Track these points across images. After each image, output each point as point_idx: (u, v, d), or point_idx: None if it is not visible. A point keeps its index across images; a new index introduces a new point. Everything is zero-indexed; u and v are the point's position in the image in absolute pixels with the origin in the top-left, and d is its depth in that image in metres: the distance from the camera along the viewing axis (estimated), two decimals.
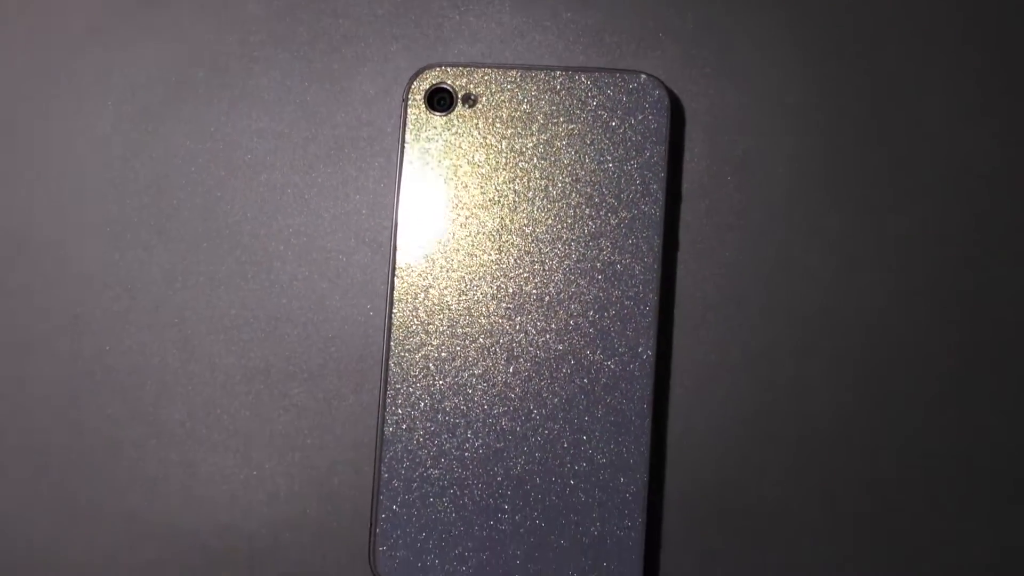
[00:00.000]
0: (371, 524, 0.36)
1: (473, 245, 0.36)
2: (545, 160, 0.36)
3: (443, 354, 0.36)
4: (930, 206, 0.37)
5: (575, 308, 0.36)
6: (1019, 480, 0.36)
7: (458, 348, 0.36)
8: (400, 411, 0.36)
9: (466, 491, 0.35)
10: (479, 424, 0.36)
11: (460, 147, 0.36)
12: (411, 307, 0.36)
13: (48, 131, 0.39)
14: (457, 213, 0.36)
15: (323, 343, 0.38)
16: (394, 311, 0.36)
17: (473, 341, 0.36)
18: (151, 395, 0.38)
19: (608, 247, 0.36)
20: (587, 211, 0.36)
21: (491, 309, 0.36)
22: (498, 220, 0.36)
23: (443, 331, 0.36)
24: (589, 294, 0.36)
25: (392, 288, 0.36)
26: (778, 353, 0.36)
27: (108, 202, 0.38)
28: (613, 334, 0.35)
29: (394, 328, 0.36)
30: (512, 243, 0.36)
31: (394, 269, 0.36)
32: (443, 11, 0.38)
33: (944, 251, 0.37)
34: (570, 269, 0.36)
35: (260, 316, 0.38)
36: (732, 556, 0.36)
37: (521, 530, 0.35)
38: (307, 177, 0.38)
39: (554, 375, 0.35)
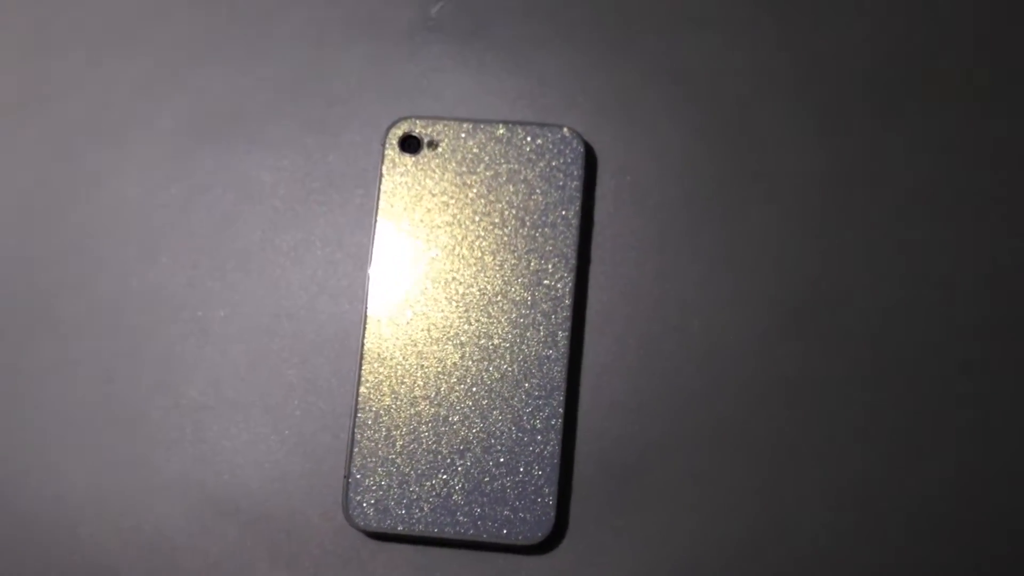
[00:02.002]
0: (345, 479, 0.45)
1: (433, 257, 0.46)
2: (489, 192, 0.46)
3: (406, 340, 0.46)
4: (796, 228, 0.47)
5: (511, 305, 0.45)
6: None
7: (418, 336, 0.46)
8: (370, 387, 0.45)
9: (422, 452, 0.45)
10: (433, 396, 0.45)
11: (425, 181, 0.47)
12: (382, 304, 0.46)
13: (104, 165, 0.49)
14: (422, 232, 0.46)
15: (312, 334, 0.47)
16: (368, 309, 0.46)
17: (429, 332, 0.46)
18: (174, 374, 0.48)
19: (536, 259, 0.46)
20: (520, 231, 0.46)
21: (445, 307, 0.46)
22: (453, 237, 0.46)
23: (406, 323, 0.46)
24: (520, 295, 0.45)
25: (368, 291, 0.46)
26: (666, 345, 0.46)
27: (149, 221, 0.49)
28: (538, 327, 0.45)
29: (368, 321, 0.46)
30: (463, 254, 0.46)
31: (370, 269, 0.46)
32: (414, 78, 0.49)
33: (811, 268, 0.46)
34: (508, 274, 0.46)
35: (264, 312, 0.48)
36: (633, 506, 0.45)
37: (464, 483, 0.45)
38: (305, 203, 0.48)
39: (491, 358, 0.45)
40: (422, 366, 0.46)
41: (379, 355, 0.46)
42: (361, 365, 0.46)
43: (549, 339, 0.45)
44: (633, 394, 0.46)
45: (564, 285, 0.46)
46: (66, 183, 0.49)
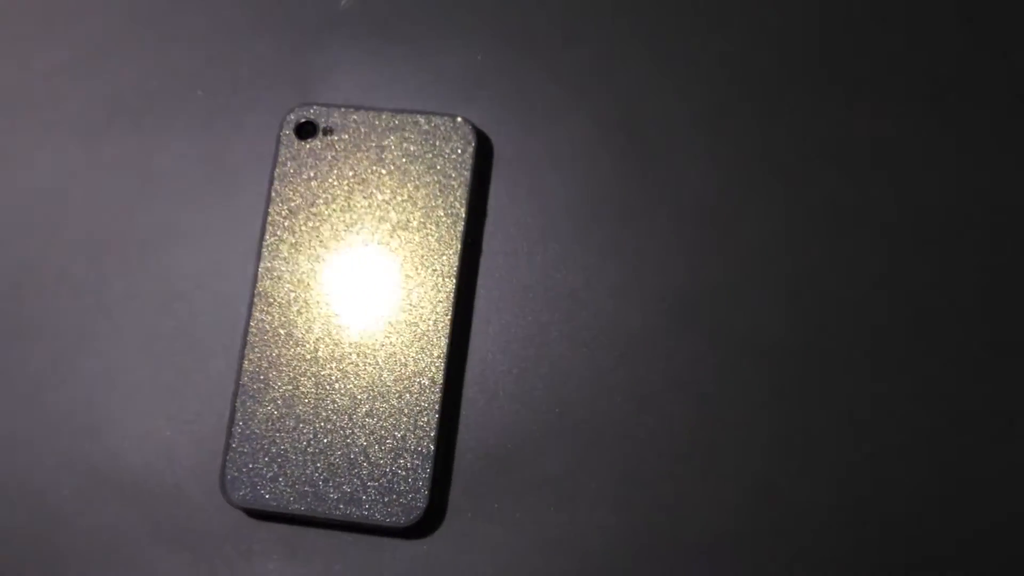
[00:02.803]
0: (223, 455, 0.45)
1: (322, 241, 0.47)
2: (381, 178, 0.47)
3: (290, 322, 0.46)
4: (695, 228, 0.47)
5: (395, 290, 0.46)
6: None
7: (301, 319, 0.46)
8: (252, 367, 0.46)
9: (299, 433, 0.45)
10: (314, 379, 0.46)
11: (319, 167, 0.47)
12: (269, 287, 0.46)
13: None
14: (312, 214, 0.47)
15: (205, 315, 0.48)
16: (255, 291, 0.46)
17: (312, 315, 0.46)
18: (69, 349, 0.48)
19: (424, 245, 0.46)
20: (410, 217, 0.46)
21: (330, 291, 0.46)
22: (343, 222, 0.47)
23: (291, 305, 0.46)
24: (405, 280, 0.46)
25: (256, 273, 0.47)
26: (552, 336, 0.46)
27: (54, 203, 0.50)
28: (422, 313, 0.45)
29: (254, 303, 0.46)
30: (352, 239, 0.46)
31: (260, 252, 0.47)
32: (318, 70, 0.50)
33: (700, 263, 0.46)
34: (395, 260, 0.46)
35: (159, 293, 0.48)
36: (506, 494, 0.45)
37: (340, 464, 0.45)
38: (205, 188, 0.49)
39: (373, 342, 0.45)
40: (304, 348, 0.46)
41: (263, 337, 0.46)
42: (244, 346, 0.46)
43: (432, 326, 0.46)
44: (517, 384, 0.46)
45: (449, 272, 0.46)
46: None
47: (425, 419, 0.45)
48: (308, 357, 0.46)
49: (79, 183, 0.50)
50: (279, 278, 0.47)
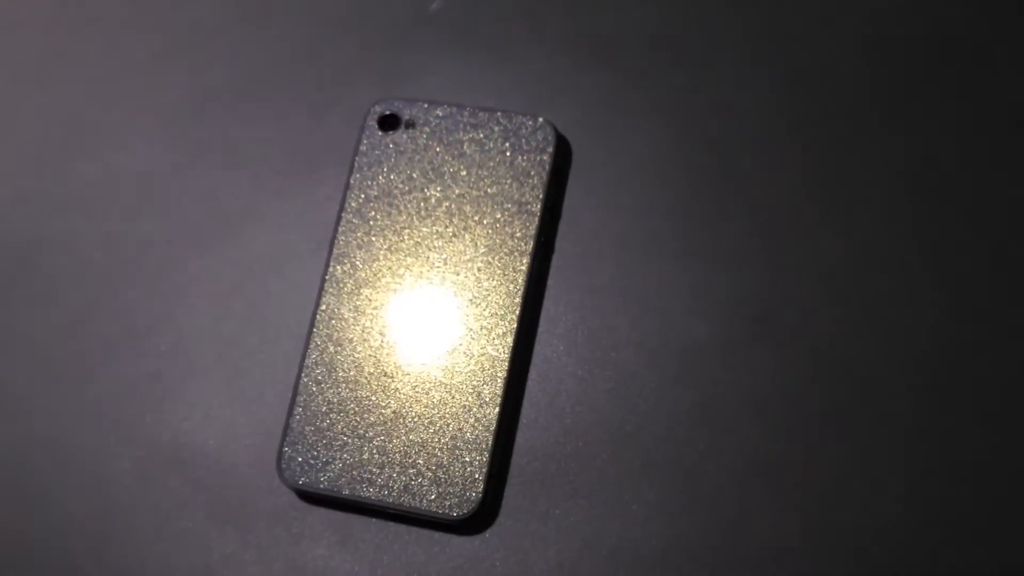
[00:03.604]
0: (282, 435, 0.46)
1: (395, 230, 0.47)
2: (460, 174, 0.47)
3: (358, 309, 0.46)
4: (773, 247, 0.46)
5: (465, 285, 0.46)
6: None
7: (370, 307, 0.46)
8: (318, 351, 0.46)
9: (359, 419, 0.45)
10: (377, 367, 0.46)
11: (399, 160, 0.48)
12: (340, 273, 0.47)
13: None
14: (388, 204, 0.47)
15: (276, 298, 0.48)
16: (326, 276, 0.47)
17: (381, 303, 0.46)
18: (141, 326, 0.49)
19: (497, 242, 0.46)
20: (485, 214, 0.46)
21: (400, 281, 0.46)
22: (419, 215, 0.47)
23: (360, 293, 0.46)
24: (476, 276, 0.46)
25: (329, 260, 0.47)
26: (619, 340, 0.46)
27: (139, 183, 0.51)
28: (490, 309, 0.45)
29: (325, 289, 0.47)
30: (424, 231, 0.47)
31: (334, 239, 0.47)
32: (404, 68, 0.50)
33: (774, 277, 0.46)
34: (466, 255, 0.46)
35: (233, 275, 0.49)
36: (561, 494, 0.45)
37: (397, 453, 0.45)
38: (286, 175, 0.50)
39: (439, 334, 0.45)
40: (370, 336, 0.46)
41: (330, 321, 0.46)
42: (311, 329, 0.46)
43: (499, 321, 0.45)
44: (581, 386, 0.46)
45: (520, 269, 0.46)
46: (70, 142, 0.52)
47: (486, 413, 0.45)
48: (373, 344, 0.46)
49: (165, 165, 0.51)
50: (351, 265, 0.47)
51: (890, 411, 0.44)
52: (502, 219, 0.47)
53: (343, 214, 0.47)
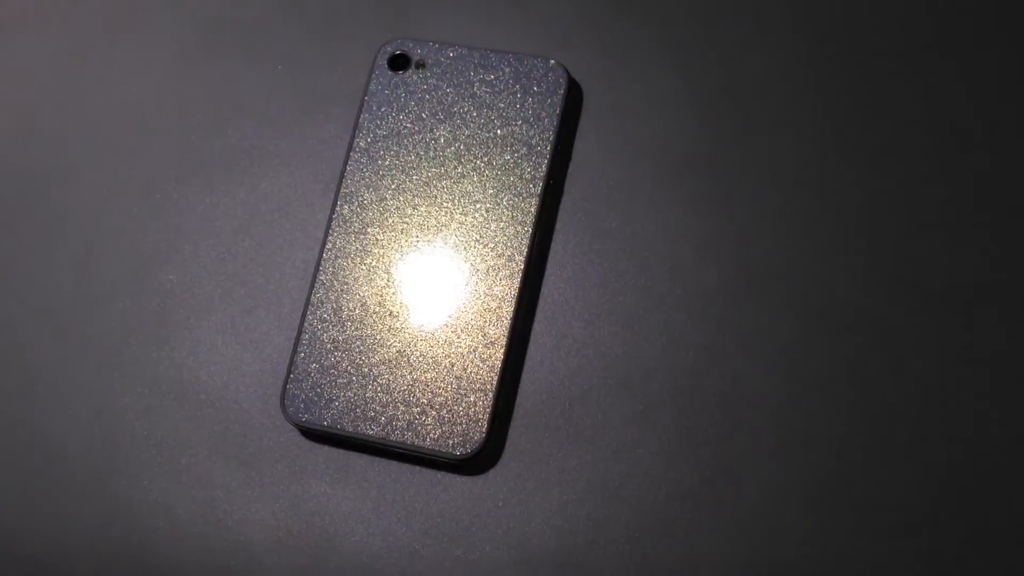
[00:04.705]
0: (287, 372, 0.45)
1: (403, 170, 0.47)
2: (469, 114, 0.47)
3: (363, 249, 0.46)
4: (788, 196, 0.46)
5: (472, 226, 0.46)
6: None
7: (376, 246, 0.46)
8: (324, 288, 0.46)
9: (364, 358, 0.45)
10: (382, 306, 0.45)
11: (409, 100, 0.47)
12: (347, 212, 0.46)
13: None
14: (397, 144, 0.47)
15: (282, 238, 0.48)
16: (333, 215, 0.46)
17: (387, 243, 0.46)
18: (147, 262, 0.49)
19: (506, 184, 0.46)
20: (494, 155, 0.46)
21: (407, 220, 0.46)
22: (426, 152, 0.47)
23: (366, 233, 0.46)
24: (483, 217, 0.46)
25: (336, 198, 0.47)
26: (626, 285, 0.46)
27: (145, 121, 0.50)
28: (497, 249, 0.45)
29: (331, 227, 0.46)
30: (432, 170, 0.46)
31: (342, 177, 0.47)
32: (416, 7, 0.50)
33: (783, 226, 0.46)
34: (474, 196, 0.46)
35: (240, 213, 0.49)
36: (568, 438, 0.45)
37: (401, 391, 0.44)
38: (293, 114, 0.50)
39: (446, 275, 0.45)
40: (376, 275, 0.46)
41: (337, 259, 0.46)
42: (318, 267, 0.46)
43: (506, 262, 0.45)
44: (587, 330, 0.46)
45: (529, 210, 0.46)
46: (77, 76, 0.52)
47: (491, 353, 0.44)
48: (379, 284, 0.46)
49: (171, 103, 0.51)
50: (359, 204, 0.47)
51: (900, 358, 0.44)
52: (511, 160, 0.46)
53: (351, 154, 0.47)
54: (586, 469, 0.44)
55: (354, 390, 0.45)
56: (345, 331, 0.45)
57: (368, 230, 0.46)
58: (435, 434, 0.44)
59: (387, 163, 0.47)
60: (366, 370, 0.45)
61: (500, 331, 0.45)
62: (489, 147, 0.46)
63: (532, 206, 0.46)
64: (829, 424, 0.43)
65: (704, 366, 0.45)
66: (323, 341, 0.45)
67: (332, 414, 0.45)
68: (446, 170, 0.47)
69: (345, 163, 0.47)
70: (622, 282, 0.46)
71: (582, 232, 0.47)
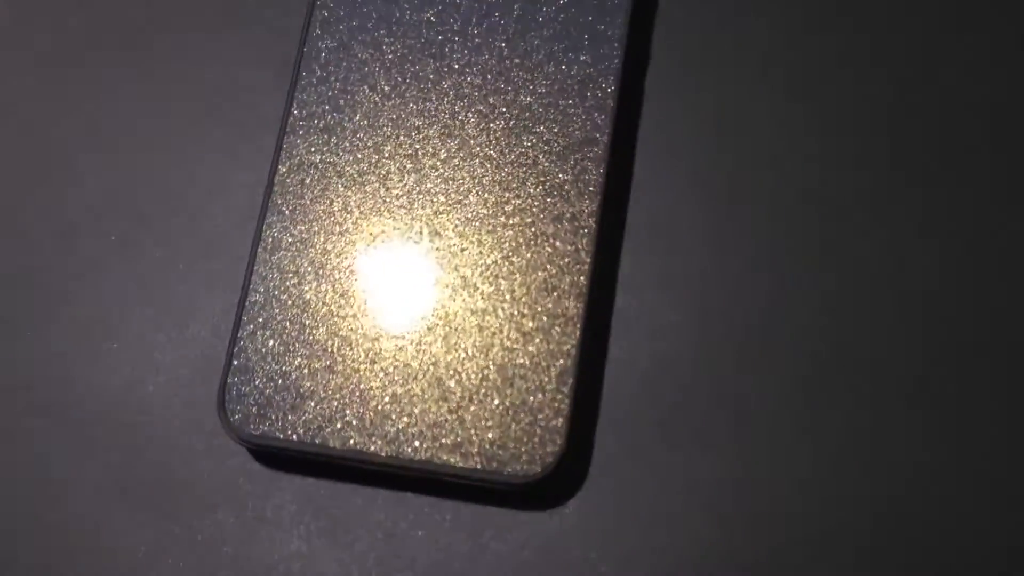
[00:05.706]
0: (225, 366, 0.29)
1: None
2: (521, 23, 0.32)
3: (315, 227, 0.30)
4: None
5: (523, 162, 0.31)
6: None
7: (341, 213, 0.30)
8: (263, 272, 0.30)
9: (371, 356, 0.29)
10: (359, 274, 0.30)
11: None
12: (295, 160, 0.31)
13: None
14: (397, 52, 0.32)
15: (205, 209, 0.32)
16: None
17: (389, 198, 0.30)
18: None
19: (565, 109, 0.31)
20: (552, 68, 0.31)
21: (401, 167, 0.31)
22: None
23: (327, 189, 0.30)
24: (540, 155, 0.31)
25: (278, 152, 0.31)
26: (728, 239, 0.31)
27: None
28: (558, 215, 0.30)
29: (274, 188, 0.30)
30: (465, 106, 0.31)
31: (285, 126, 0.31)
32: None
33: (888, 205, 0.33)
34: (525, 120, 0.31)
35: (169, 191, 0.32)
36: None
37: (415, 389, 0.28)
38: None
39: (484, 233, 0.30)
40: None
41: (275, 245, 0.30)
42: (254, 256, 0.30)
43: (576, 210, 0.30)
44: (675, 318, 0.31)
45: (597, 169, 0.31)
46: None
47: (567, 331, 0.29)
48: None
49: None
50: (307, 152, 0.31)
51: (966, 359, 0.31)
52: (579, 72, 0.31)
53: (292, 102, 0.31)
54: (710, 489, 0.29)
55: (345, 386, 0.28)
56: (308, 298, 0.29)
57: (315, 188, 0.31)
58: (485, 449, 0.28)
59: (340, 103, 0.31)
60: (378, 378, 0.29)
61: (575, 304, 0.29)
62: (550, 52, 0.31)
63: (600, 167, 0.30)
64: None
65: (818, 374, 0.31)
66: (282, 317, 0.29)
67: (305, 423, 0.28)
68: (490, 95, 0.31)
69: (284, 120, 0.31)
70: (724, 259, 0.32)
71: (663, 154, 0.32)
